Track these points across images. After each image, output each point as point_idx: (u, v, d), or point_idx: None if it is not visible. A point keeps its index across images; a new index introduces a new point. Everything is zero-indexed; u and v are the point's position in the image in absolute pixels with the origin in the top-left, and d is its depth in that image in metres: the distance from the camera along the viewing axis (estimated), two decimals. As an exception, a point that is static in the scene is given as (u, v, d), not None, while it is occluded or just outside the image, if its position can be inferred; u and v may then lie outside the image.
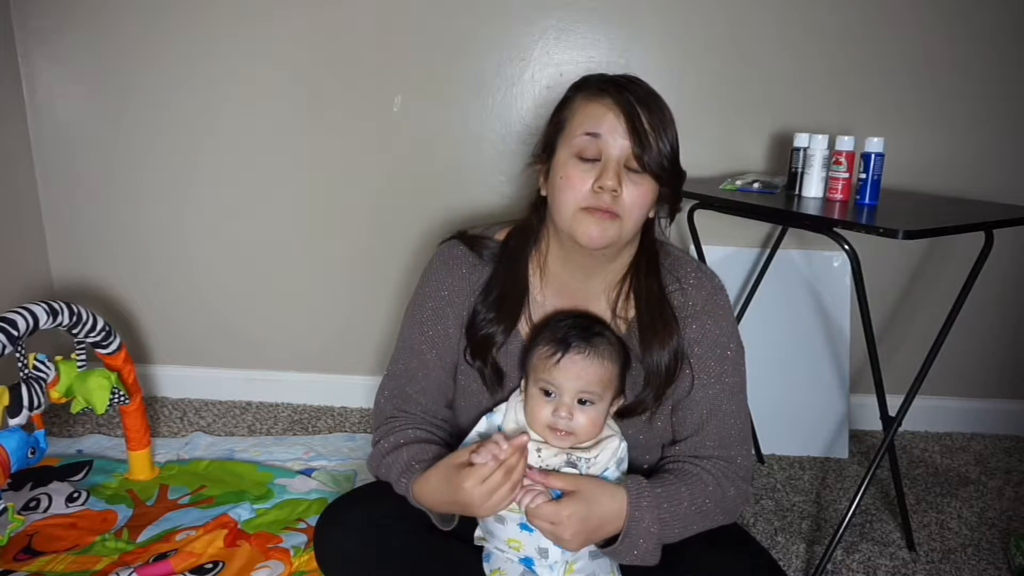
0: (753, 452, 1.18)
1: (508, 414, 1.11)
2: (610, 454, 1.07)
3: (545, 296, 1.17)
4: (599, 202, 1.04)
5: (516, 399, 1.12)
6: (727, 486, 1.11)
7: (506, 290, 1.15)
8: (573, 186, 1.05)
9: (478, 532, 1.13)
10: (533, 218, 1.18)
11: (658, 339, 1.10)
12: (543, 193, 1.14)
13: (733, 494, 1.11)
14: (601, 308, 1.16)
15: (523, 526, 1.05)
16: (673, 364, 1.11)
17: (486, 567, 1.11)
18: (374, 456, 1.17)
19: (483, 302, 1.15)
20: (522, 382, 1.12)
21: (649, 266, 1.15)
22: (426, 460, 1.09)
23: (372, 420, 1.23)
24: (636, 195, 1.05)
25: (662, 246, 1.18)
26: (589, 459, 1.06)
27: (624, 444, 1.10)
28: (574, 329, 1.07)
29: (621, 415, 1.12)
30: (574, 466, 1.05)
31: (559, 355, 1.04)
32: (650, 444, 1.16)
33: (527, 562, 1.08)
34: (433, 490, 1.04)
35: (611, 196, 1.03)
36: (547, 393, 1.05)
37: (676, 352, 1.11)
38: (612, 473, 1.08)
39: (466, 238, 1.20)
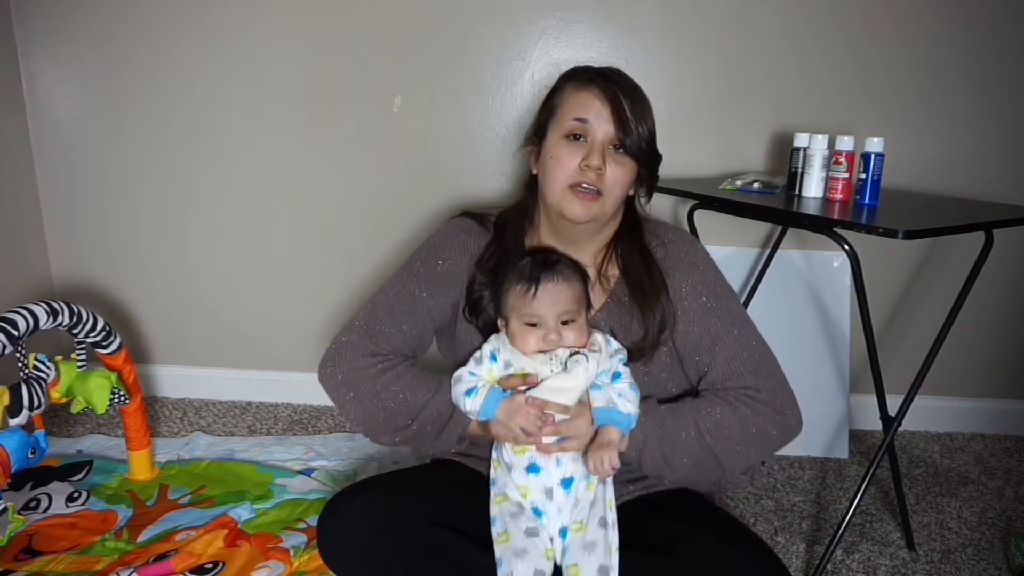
0: (781, 379, 1.22)
1: (501, 355, 1.17)
2: (601, 338, 1.16)
3: None
4: (585, 178, 1.16)
5: (498, 341, 1.19)
6: (742, 409, 1.16)
7: (502, 259, 1.25)
8: (562, 164, 1.18)
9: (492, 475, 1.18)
10: (527, 196, 1.31)
11: (645, 286, 1.21)
12: (534, 172, 1.27)
13: (747, 414, 1.15)
14: (589, 273, 1.25)
15: (529, 468, 1.12)
16: (665, 308, 1.20)
17: (493, 531, 1.11)
18: (352, 364, 1.22)
19: (479, 268, 1.26)
20: (500, 323, 1.21)
21: (631, 232, 1.27)
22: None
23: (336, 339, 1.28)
24: (618, 174, 1.18)
25: (644, 217, 1.31)
26: (586, 353, 1.13)
27: (611, 339, 1.19)
28: (536, 263, 1.17)
29: None
30: (577, 362, 1.12)
31: (533, 289, 1.14)
32: (649, 392, 1.22)
33: (536, 511, 1.11)
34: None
35: (596, 174, 1.16)
36: (532, 324, 1.14)
37: (666, 296, 1.21)
38: (615, 348, 1.17)
39: (473, 214, 1.33)
